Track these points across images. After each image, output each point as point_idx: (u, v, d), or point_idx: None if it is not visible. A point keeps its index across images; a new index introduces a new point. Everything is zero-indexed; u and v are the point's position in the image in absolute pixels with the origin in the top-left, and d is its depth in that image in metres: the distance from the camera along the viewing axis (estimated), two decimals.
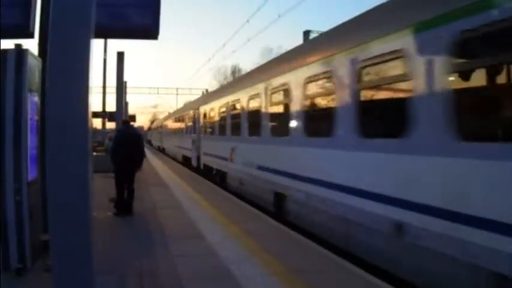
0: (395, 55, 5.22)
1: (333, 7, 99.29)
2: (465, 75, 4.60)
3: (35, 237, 5.03)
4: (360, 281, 4.75)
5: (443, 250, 4.34)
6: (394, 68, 5.42)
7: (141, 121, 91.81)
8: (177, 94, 58.98)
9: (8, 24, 5.17)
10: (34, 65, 5.09)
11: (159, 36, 5.56)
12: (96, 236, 3.01)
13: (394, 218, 5.02)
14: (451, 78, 4.49)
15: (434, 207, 4.44)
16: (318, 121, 7.44)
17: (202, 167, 16.57)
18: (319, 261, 5.49)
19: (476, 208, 3.96)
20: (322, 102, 7.51)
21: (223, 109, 13.66)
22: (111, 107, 19.57)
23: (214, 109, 15.15)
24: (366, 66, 5.88)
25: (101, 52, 22.80)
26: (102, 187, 10.91)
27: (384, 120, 5.93)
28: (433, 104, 4.58)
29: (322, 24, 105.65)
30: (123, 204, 8.60)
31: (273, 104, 9.22)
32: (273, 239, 6.53)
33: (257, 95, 10.10)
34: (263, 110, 9.63)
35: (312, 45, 9.13)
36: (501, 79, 4.23)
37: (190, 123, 20.68)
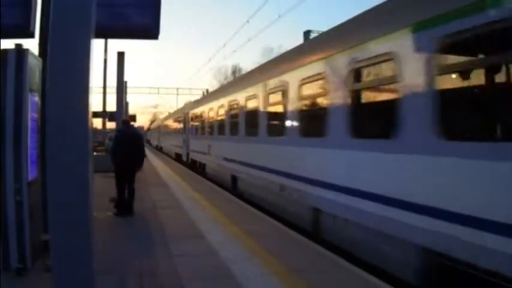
0: None
1: (333, 7, 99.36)
2: None
3: (35, 237, 5.04)
4: (360, 281, 4.75)
5: (296, 198, 7.75)
6: None
7: (142, 121, 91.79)
8: (177, 94, 59.01)
9: (9, 24, 5.17)
10: (34, 64, 5.09)
11: (160, 36, 5.56)
12: (96, 236, 3.01)
13: (280, 182, 8.51)
14: None
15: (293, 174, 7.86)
16: (249, 125, 10.85)
17: (190, 161, 20.59)
18: (320, 261, 5.49)
19: (301, 172, 7.51)
20: (249, 113, 10.95)
21: (204, 114, 17.42)
22: (111, 106, 19.63)
23: (197, 114, 19.12)
24: None
25: (101, 52, 22.90)
26: (103, 187, 10.91)
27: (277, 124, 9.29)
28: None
29: (322, 24, 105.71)
30: (124, 204, 8.60)
31: (231, 110, 12.78)
32: (273, 239, 6.53)
33: (222, 106, 13.99)
34: (225, 115, 13.43)
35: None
36: None
37: (181, 126, 24.55)
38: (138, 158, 8.85)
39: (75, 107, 2.73)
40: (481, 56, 4.37)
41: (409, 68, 4.87)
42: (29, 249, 4.82)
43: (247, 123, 11.05)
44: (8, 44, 4.98)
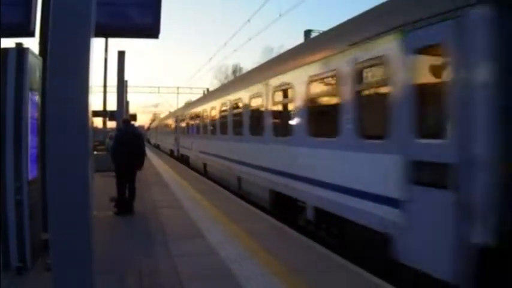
0: None
1: (333, 7, 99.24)
2: None
3: (35, 236, 5.03)
4: (360, 280, 4.75)
5: (232, 172, 12.28)
6: None
7: (142, 120, 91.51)
8: (177, 93, 58.93)
9: (9, 22, 5.16)
10: (34, 63, 5.09)
11: (160, 35, 5.55)
12: (96, 235, 3.01)
13: (225, 164, 13.04)
14: None
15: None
16: (211, 127, 15.89)
17: (179, 155, 25.85)
18: (320, 260, 5.49)
19: (234, 157, 11.94)
20: (211, 118, 15.96)
21: (188, 118, 22.64)
22: (111, 106, 19.63)
23: (184, 118, 24.36)
24: None
25: (101, 51, 22.92)
26: (103, 186, 10.91)
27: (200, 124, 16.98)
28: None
29: (323, 23, 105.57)
30: (124, 203, 8.60)
31: (203, 116, 17.70)
32: (273, 239, 6.53)
33: (197, 112, 19.09)
34: (200, 119, 18.38)
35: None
36: None
37: (173, 126, 29.94)
38: (139, 157, 8.84)
39: (75, 106, 2.73)
40: None
41: None
42: (29, 248, 4.82)
43: (211, 126, 16.01)
44: (8, 43, 4.98)
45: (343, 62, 6.00)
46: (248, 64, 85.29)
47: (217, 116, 14.45)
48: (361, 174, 5.63)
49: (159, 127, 47.25)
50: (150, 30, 5.52)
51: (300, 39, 21.28)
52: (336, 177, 6.23)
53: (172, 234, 6.81)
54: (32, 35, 5.54)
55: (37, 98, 5.20)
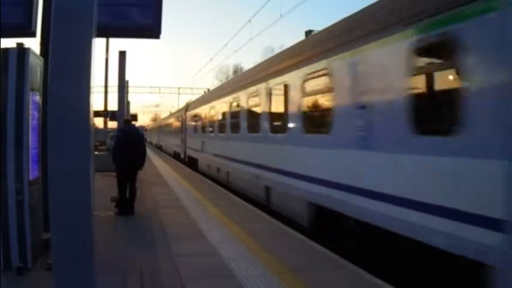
0: None
1: (334, 7, 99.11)
2: None
3: (36, 236, 5.04)
4: (361, 281, 4.75)
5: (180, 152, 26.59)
6: None
7: (143, 120, 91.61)
8: (178, 94, 59.02)
9: (10, 23, 5.18)
10: (35, 64, 5.09)
11: (161, 35, 5.57)
12: (97, 235, 3.01)
13: (177, 148, 27.83)
14: None
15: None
16: (164, 130, 41.61)
17: (159, 146, 43.50)
18: (320, 260, 5.49)
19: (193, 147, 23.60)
20: (168, 126, 37.62)
21: (161, 126, 44.37)
22: (112, 106, 19.66)
23: (162, 123, 44.43)
24: None
25: (102, 51, 22.99)
26: (104, 186, 10.92)
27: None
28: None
29: (324, 24, 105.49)
30: (125, 203, 8.60)
31: (167, 124, 38.06)
32: (274, 239, 6.53)
33: (165, 123, 41.01)
34: (166, 125, 37.80)
35: None
36: None
37: (157, 129, 48.92)
38: (139, 157, 8.84)
39: (76, 106, 2.73)
40: None
41: None
42: (30, 248, 4.83)
43: (166, 130, 36.34)
44: (9, 43, 4.99)
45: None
46: (249, 64, 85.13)
47: (167, 127, 34.32)
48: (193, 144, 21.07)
49: (153, 129, 65.05)
50: (151, 30, 5.54)
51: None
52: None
53: (173, 234, 6.81)
54: (33, 35, 5.56)
55: (38, 98, 5.20)
